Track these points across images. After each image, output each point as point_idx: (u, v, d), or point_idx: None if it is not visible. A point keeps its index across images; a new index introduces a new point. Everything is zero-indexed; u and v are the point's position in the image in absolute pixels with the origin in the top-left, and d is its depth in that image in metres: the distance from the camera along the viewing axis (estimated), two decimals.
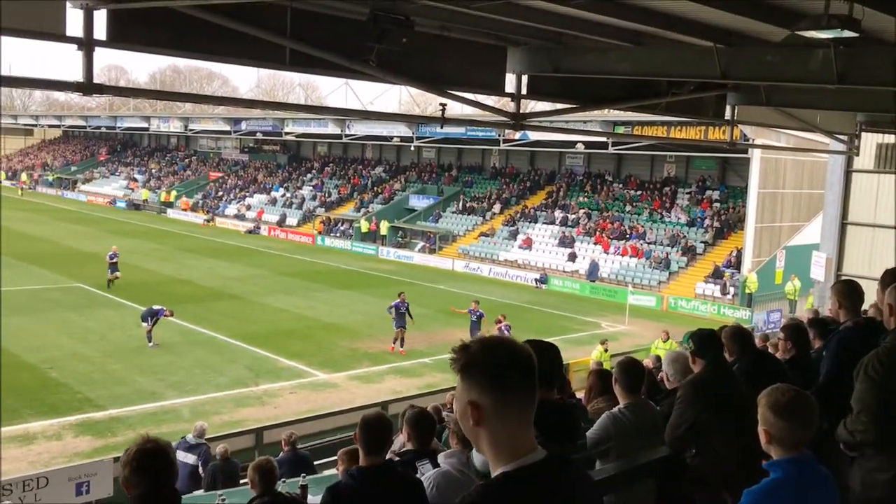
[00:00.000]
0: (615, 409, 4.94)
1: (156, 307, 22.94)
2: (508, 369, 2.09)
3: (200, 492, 11.73)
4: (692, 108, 11.50)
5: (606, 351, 19.51)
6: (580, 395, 7.36)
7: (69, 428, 16.21)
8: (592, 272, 38.14)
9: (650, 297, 34.56)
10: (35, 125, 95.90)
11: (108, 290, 30.07)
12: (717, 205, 40.41)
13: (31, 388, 18.37)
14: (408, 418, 5.25)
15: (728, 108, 12.03)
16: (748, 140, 28.61)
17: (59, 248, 41.13)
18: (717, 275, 35.01)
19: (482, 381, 2.07)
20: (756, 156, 33.40)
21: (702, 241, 38.10)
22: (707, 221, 39.13)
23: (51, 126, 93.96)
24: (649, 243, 38.98)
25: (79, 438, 15.75)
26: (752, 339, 6.12)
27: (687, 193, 42.25)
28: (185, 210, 61.98)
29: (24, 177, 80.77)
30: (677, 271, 36.79)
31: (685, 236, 38.49)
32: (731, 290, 33.80)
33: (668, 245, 38.31)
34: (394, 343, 23.49)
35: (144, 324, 22.61)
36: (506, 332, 21.08)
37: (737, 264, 34.90)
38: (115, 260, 30.53)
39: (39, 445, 15.26)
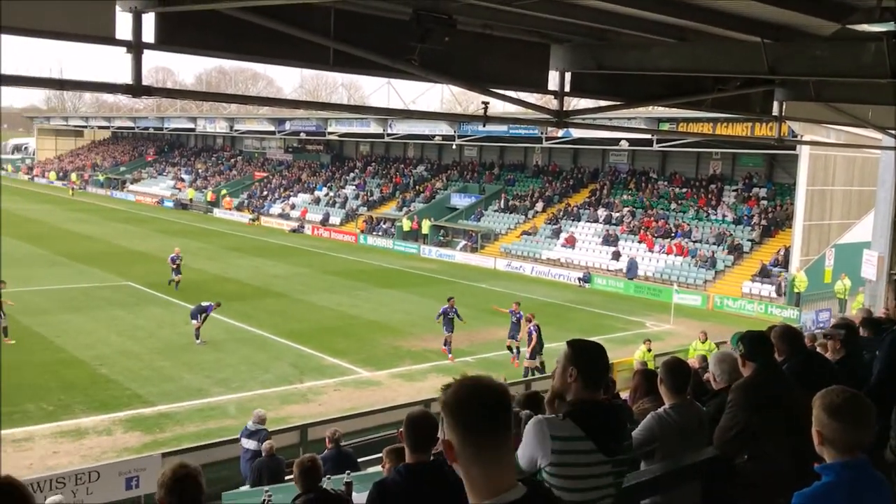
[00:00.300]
0: (660, 410, 4.88)
1: (204, 304, 23.32)
2: (476, 414, 2.15)
3: (246, 487, 11.91)
4: (739, 104, 11.29)
5: (650, 351, 19.32)
6: (625, 395, 7.30)
7: (119, 423, 16.55)
8: (631, 269, 37.86)
9: (696, 297, 34.12)
10: (85, 126, 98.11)
11: (175, 291, 30.00)
12: (765, 202, 39.71)
13: (82, 384, 18.79)
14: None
15: (776, 104, 11.79)
16: (796, 136, 28.05)
17: (109, 247, 41.97)
18: (764, 273, 34.42)
19: (453, 423, 2.15)
20: (804, 152, 32.75)
21: (748, 240, 37.48)
22: (754, 219, 38.49)
23: (100, 127, 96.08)
24: (695, 241, 38.47)
25: (128, 434, 16.07)
26: (802, 338, 6.00)
27: (733, 191, 41.60)
28: (228, 209, 62.89)
29: (73, 177, 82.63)
30: (723, 270, 36.25)
31: (731, 234, 37.91)
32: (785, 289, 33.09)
33: (713, 243, 37.77)
34: (445, 345, 23.11)
35: (194, 321, 23.00)
36: (534, 332, 21.03)
37: (784, 263, 34.27)
38: (178, 263, 30.62)
39: (91, 440, 15.60)
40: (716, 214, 40.23)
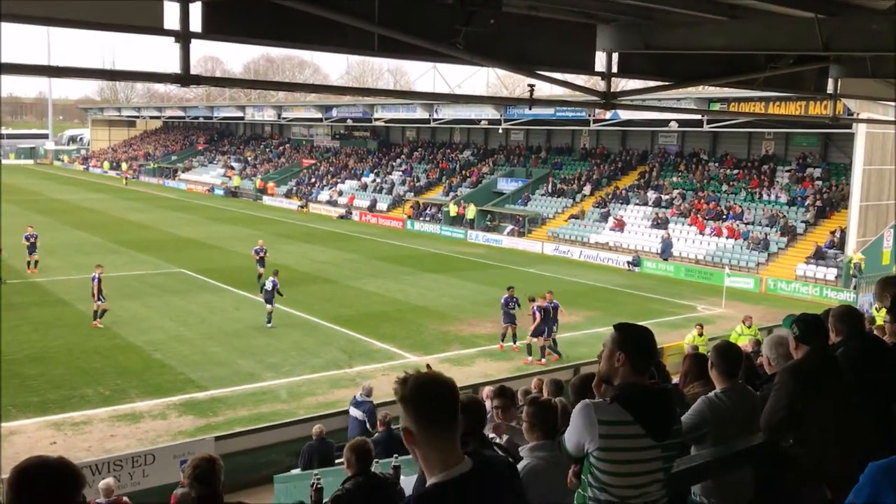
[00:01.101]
0: (711, 394, 4.80)
1: (268, 282, 23.78)
2: (434, 408, 2.54)
3: (297, 471, 12.08)
4: (791, 82, 11.00)
5: (701, 335, 19.03)
6: (675, 379, 7.20)
7: (173, 407, 16.90)
8: (666, 250, 37.78)
9: (748, 280, 33.53)
10: (137, 117, 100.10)
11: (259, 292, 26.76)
12: (819, 183, 38.76)
13: (137, 369, 19.23)
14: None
15: (830, 82, 11.46)
16: (852, 114, 27.29)
17: (162, 234, 42.80)
18: (819, 256, 33.65)
19: (412, 415, 2.52)
20: (861, 131, 31.85)
21: (802, 221, 36.66)
22: (808, 200, 37.61)
23: (152, 117, 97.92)
24: (747, 224, 37.77)
25: (182, 417, 16.41)
26: (863, 321, 5.81)
27: (787, 171, 40.69)
28: (272, 195, 63.98)
29: (124, 166, 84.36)
30: (777, 252, 35.54)
31: (785, 216, 37.12)
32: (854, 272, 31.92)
33: (766, 225, 37.04)
34: (502, 340, 22.32)
35: (269, 305, 23.57)
36: (537, 314, 20.96)
37: (840, 244, 33.45)
38: (261, 255, 29.06)
39: (146, 424, 15.97)
40: (768, 196, 39.41)
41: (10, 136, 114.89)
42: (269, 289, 23.60)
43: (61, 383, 17.99)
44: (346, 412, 14.41)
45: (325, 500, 6.17)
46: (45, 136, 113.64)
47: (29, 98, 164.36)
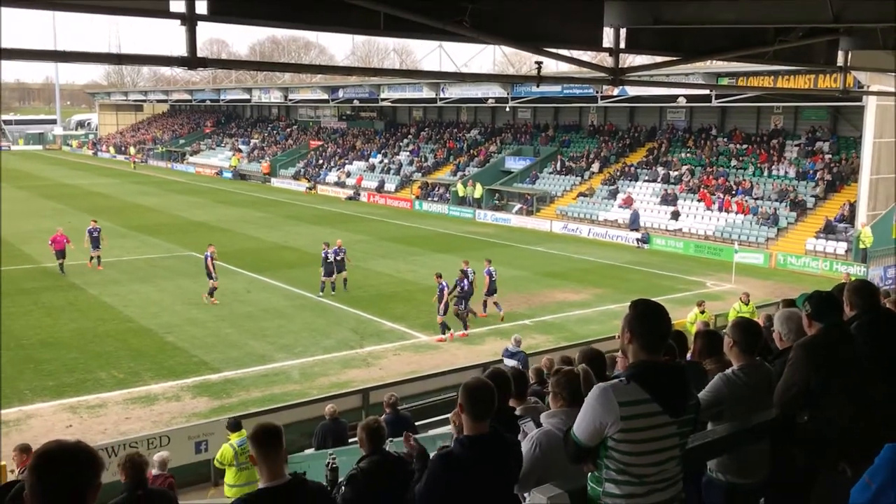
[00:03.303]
0: (728, 371, 4.80)
1: (328, 255, 25.06)
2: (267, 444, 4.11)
3: (311, 451, 12.17)
4: (801, 55, 10.90)
5: (703, 313, 18.93)
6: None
7: (187, 389, 17.03)
8: (634, 221, 38.52)
9: (757, 255, 33.43)
10: (144, 101, 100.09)
11: (329, 294, 25.46)
12: (829, 156, 38.48)
13: (150, 352, 19.36)
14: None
15: (840, 54, 11.35)
16: (862, 87, 27.04)
17: (172, 218, 42.92)
18: (829, 230, 33.49)
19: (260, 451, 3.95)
20: (871, 104, 31.56)
21: (812, 196, 36.46)
22: (818, 174, 37.37)
23: (159, 101, 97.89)
24: (756, 199, 37.60)
25: (196, 399, 16.54)
26: (878, 295, 5.79)
27: (796, 146, 40.41)
28: (266, 174, 64.98)
29: (132, 150, 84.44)
30: (786, 227, 35.39)
31: (794, 190, 36.91)
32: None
33: (776, 200, 36.85)
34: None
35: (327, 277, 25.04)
36: (445, 287, 21.35)
37: (850, 218, 33.27)
38: (340, 256, 25.99)
39: (161, 406, 16.10)
40: (777, 170, 39.18)
41: (18, 122, 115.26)
42: (331, 260, 25.05)
43: (75, 367, 18.14)
44: (361, 391, 14.45)
45: (340, 479, 6.21)
46: (54, 122, 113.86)
47: (36, 83, 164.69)
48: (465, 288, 21.70)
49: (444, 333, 21.19)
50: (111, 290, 25.49)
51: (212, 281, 24.12)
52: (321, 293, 25.13)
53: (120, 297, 24.48)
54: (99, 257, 28.66)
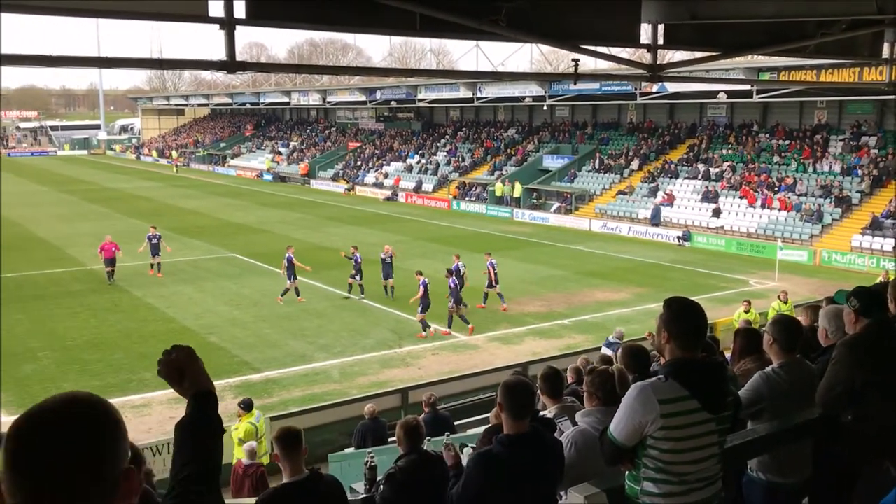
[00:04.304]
0: (768, 369, 4.74)
1: (385, 258, 25.02)
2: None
3: (351, 450, 12.25)
4: (845, 48, 10.68)
5: (748, 312, 18.66)
6: (727, 354, 7.12)
7: (229, 389, 17.22)
8: (655, 216, 38.45)
9: (801, 252, 32.87)
10: (186, 105, 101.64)
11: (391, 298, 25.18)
12: (875, 151, 37.66)
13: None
14: (542, 376, 5.38)
15: (886, 46, 11.10)
16: None
17: (214, 220, 43.50)
18: (875, 226, 32.79)
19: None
20: None
21: (858, 191, 35.72)
22: (863, 169, 36.60)
23: (200, 105, 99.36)
24: (799, 195, 36.96)
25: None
26: None
27: (840, 141, 39.63)
28: (303, 174, 65.56)
29: (174, 154, 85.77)
30: (831, 224, 34.74)
31: (839, 186, 36.20)
32: None
33: (820, 196, 36.19)
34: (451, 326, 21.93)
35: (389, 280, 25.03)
36: (421, 287, 21.41)
37: None
38: (389, 258, 25.67)
39: None
40: (822, 166, 38.46)
41: (64, 128, 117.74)
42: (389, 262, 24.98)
43: (121, 367, 18.48)
44: (400, 391, 14.50)
45: (378, 478, 6.25)
46: (98, 127, 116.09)
47: (81, 90, 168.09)
48: (452, 286, 21.75)
49: (424, 330, 21.30)
50: (155, 291, 25.92)
51: (290, 282, 24.39)
52: (355, 294, 25.24)
53: (163, 299, 24.88)
54: (159, 264, 28.17)
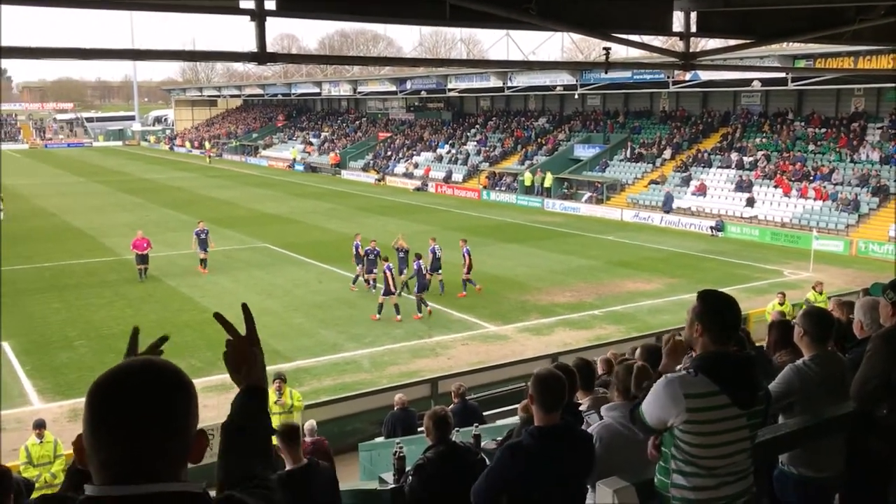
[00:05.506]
0: (799, 362, 4.67)
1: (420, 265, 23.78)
2: None
3: (381, 439, 12.32)
4: (884, 34, 10.46)
5: (782, 304, 18.43)
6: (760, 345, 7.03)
7: None
8: (667, 203, 38.54)
9: (837, 242, 32.36)
10: (218, 96, 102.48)
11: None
12: None
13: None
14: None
15: None
16: None
17: (246, 210, 43.86)
18: None
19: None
20: None
21: None
22: None
23: (232, 96, 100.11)
24: (835, 184, 36.36)
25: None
26: None
27: (878, 129, 38.89)
28: (333, 164, 66.34)
29: (207, 145, 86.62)
30: (868, 213, 34.14)
31: (877, 175, 35.54)
32: None
33: (857, 185, 35.57)
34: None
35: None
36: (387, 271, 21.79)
37: None
38: (438, 255, 24.62)
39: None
40: (859, 155, 37.78)
41: (99, 119, 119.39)
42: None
43: None
44: (429, 381, 14.56)
45: (407, 469, 6.28)
46: (132, 118, 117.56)
47: (115, 81, 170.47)
48: (416, 268, 22.48)
49: (419, 310, 22.03)
50: (188, 281, 26.22)
51: (360, 268, 24.59)
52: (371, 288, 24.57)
53: (197, 288, 25.17)
54: (205, 260, 27.37)
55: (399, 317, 21.69)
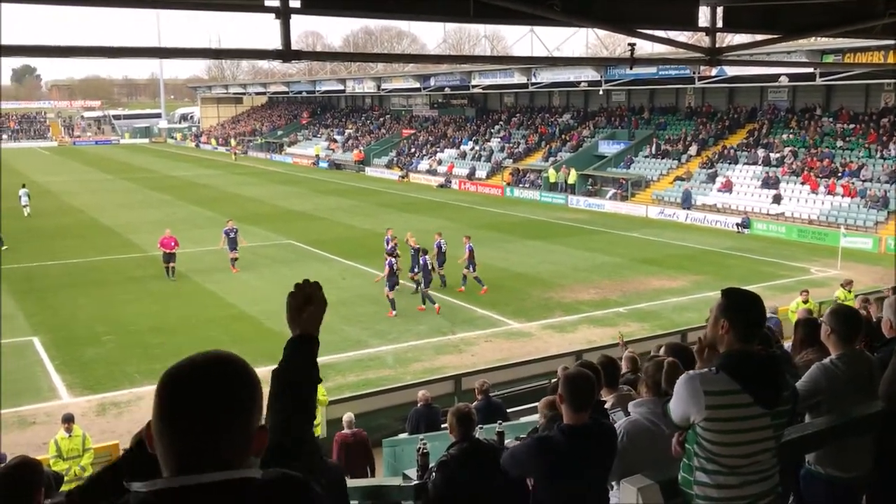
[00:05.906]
0: (826, 360, 4.61)
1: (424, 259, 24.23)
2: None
3: (404, 435, 12.35)
4: None
5: (806, 302, 18.20)
6: (786, 344, 6.97)
7: None
8: (686, 200, 38.72)
9: (866, 239, 31.93)
10: (244, 94, 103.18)
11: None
12: None
13: (249, 337, 19.97)
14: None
15: None
16: None
17: (272, 207, 44.12)
18: None
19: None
20: None
21: None
22: None
23: (257, 94, 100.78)
24: (864, 181, 35.86)
25: None
26: None
27: None
28: (357, 161, 66.75)
29: (233, 142, 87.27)
30: None
31: None
32: None
33: (886, 182, 35.06)
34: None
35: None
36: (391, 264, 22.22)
37: None
38: (444, 249, 25.04)
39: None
40: (888, 151, 37.25)
41: (126, 117, 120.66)
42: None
43: (181, 351, 18.38)
44: (453, 377, 14.58)
45: (431, 465, 6.29)
46: (159, 116, 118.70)
47: (142, 79, 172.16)
48: (422, 263, 22.62)
49: (394, 309, 22.06)
50: (214, 277, 26.43)
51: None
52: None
53: (223, 285, 25.37)
54: (236, 259, 27.29)
55: (394, 312, 21.92)
